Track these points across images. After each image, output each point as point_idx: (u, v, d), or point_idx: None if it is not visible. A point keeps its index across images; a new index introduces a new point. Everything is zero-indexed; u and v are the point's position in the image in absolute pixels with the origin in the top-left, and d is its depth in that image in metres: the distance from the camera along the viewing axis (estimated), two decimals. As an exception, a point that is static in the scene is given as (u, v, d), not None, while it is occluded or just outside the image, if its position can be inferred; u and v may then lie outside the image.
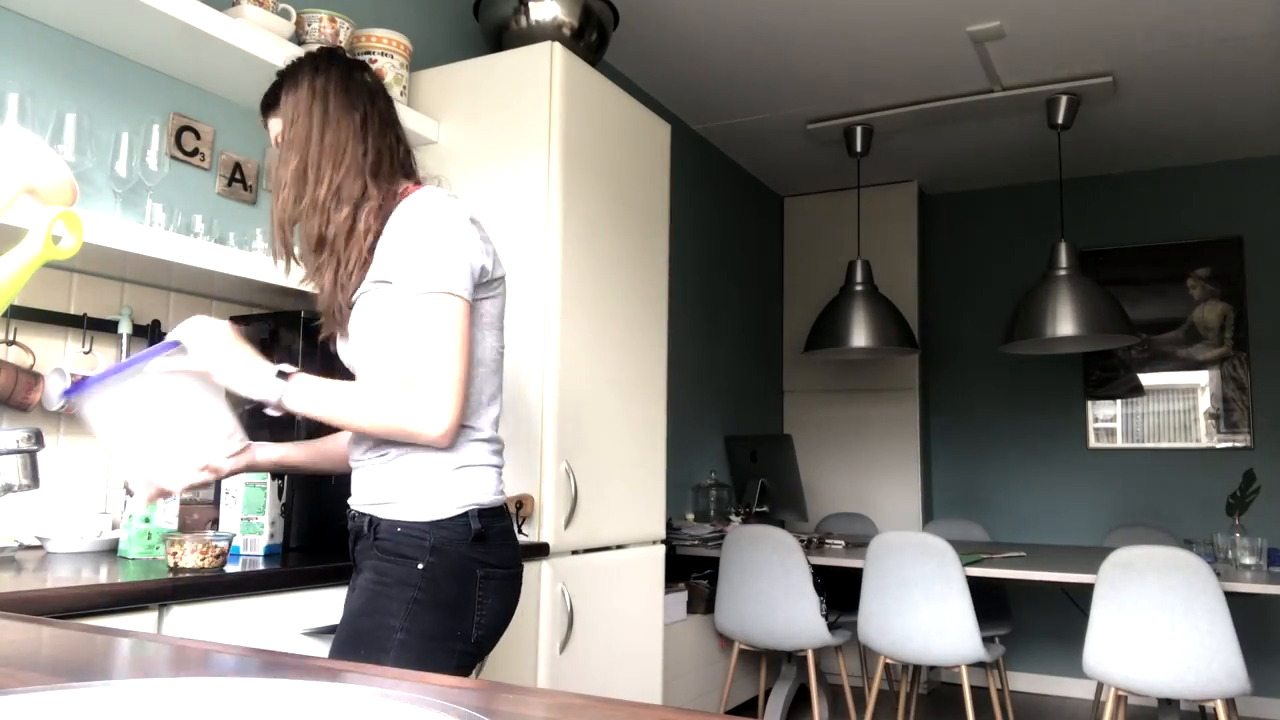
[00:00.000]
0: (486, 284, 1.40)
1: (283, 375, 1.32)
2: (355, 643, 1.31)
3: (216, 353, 1.33)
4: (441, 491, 1.34)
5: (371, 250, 1.37)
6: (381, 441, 1.37)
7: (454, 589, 1.33)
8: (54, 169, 1.39)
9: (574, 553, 2.36)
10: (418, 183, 1.47)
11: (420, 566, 1.31)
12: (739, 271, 4.90)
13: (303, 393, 1.31)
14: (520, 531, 2.26)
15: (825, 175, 5.07)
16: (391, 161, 1.44)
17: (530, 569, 2.20)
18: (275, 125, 1.48)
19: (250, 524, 1.74)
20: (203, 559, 1.46)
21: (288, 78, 1.47)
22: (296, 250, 1.43)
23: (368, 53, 2.41)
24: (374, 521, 1.37)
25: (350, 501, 1.44)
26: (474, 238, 1.37)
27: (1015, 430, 5.07)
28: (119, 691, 0.53)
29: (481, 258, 1.37)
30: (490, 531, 1.37)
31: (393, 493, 1.36)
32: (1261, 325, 4.59)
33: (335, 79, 1.44)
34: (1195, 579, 2.70)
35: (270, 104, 1.49)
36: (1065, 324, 3.81)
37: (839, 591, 3.66)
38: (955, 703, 4.44)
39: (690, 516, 4.18)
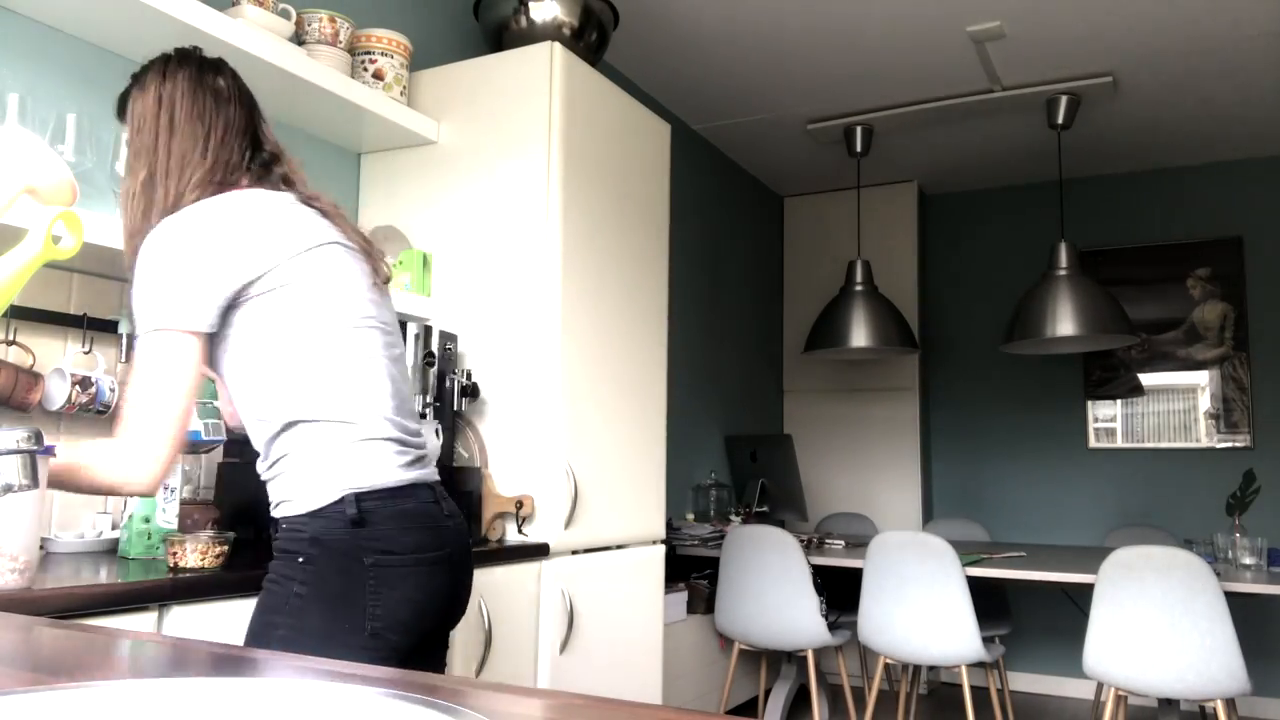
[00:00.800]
0: (282, 269, 1.30)
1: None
2: (248, 643, 1.28)
3: None
4: (318, 480, 1.29)
5: None
6: (265, 450, 1.34)
7: (339, 579, 1.26)
8: (54, 169, 1.40)
9: (574, 553, 2.36)
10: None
11: (300, 560, 1.26)
12: (739, 271, 4.90)
13: (51, 475, 1.25)
14: (520, 531, 2.26)
15: (825, 175, 5.07)
16: (226, 174, 1.37)
17: (530, 569, 2.20)
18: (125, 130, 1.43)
19: (204, 407, 1.68)
20: (203, 559, 1.46)
21: (135, 82, 1.41)
22: None
23: (368, 53, 2.41)
24: (275, 523, 1.34)
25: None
26: (199, 254, 1.27)
27: (1015, 430, 5.07)
28: (119, 691, 0.53)
29: (221, 273, 1.26)
30: (377, 516, 1.28)
31: (280, 493, 1.33)
32: (1261, 325, 4.59)
33: (183, 83, 1.38)
34: (1195, 579, 2.70)
35: (121, 109, 1.44)
36: (1065, 324, 3.81)
37: (839, 591, 3.66)
38: (955, 703, 4.44)
39: (690, 516, 4.18)
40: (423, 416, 2.12)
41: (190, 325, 1.25)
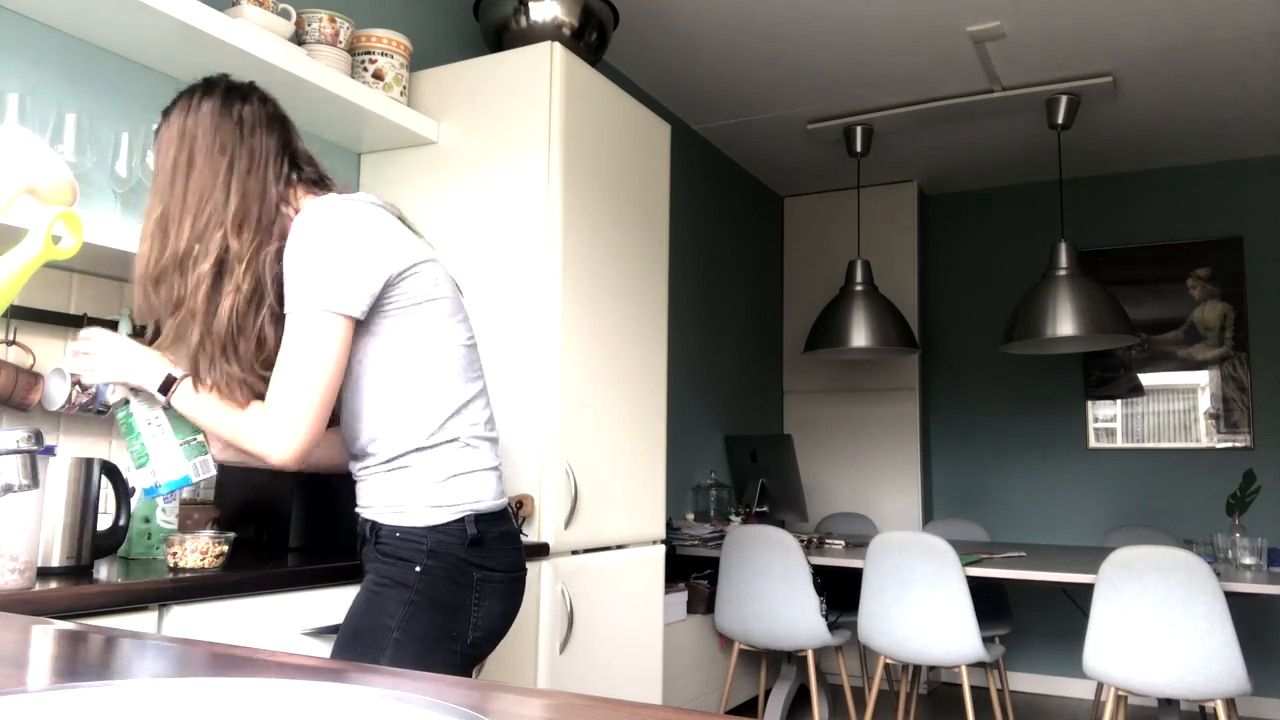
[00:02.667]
0: (406, 279, 1.35)
1: (171, 379, 1.38)
2: (354, 642, 1.33)
3: (115, 353, 1.40)
4: (438, 498, 1.37)
5: (245, 311, 1.35)
6: (379, 454, 1.38)
7: (450, 591, 1.35)
8: (54, 169, 1.40)
9: (574, 553, 2.36)
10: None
11: (418, 569, 1.34)
12: (739, 271, 4.90)
13: (182, 398, 1.37)
14: (520, 531, 2.26)
15: (825, 175, 5.07)
16: (262, 206, 1.37)
17: (530, 569, 2.19)
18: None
19: (191, 446, 1.51)
20: (203, 559, 1.46)
21: (164, 116, 1.42)
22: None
23: (368, 53, 2.41)
24: (375, 526, 1.39)
25: (357, 507, 1.45)
26: (356, 242, 1.31)
27: (1015, 430, 5.07)
28: (119, 691, 0.53)
29: (375, 263, 1.32)
30: (487, 536, 1.39)
31: (393, 499, 1.38)
32: (1261, 325, 4.59)
33: (205, 117, 1.37)
34: (1195, 579, 2.70)
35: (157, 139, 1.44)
36: (1065, 324, 3.81)
37: (839, 591, 3.66)
38: (955, 703, 4.44)
39: (690, 516, 4.18)
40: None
41: (342, 308, 1.29)
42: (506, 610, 1.43)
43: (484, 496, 1.40)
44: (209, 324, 1.34)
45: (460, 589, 1.36)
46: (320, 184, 1.46)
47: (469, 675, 1.41)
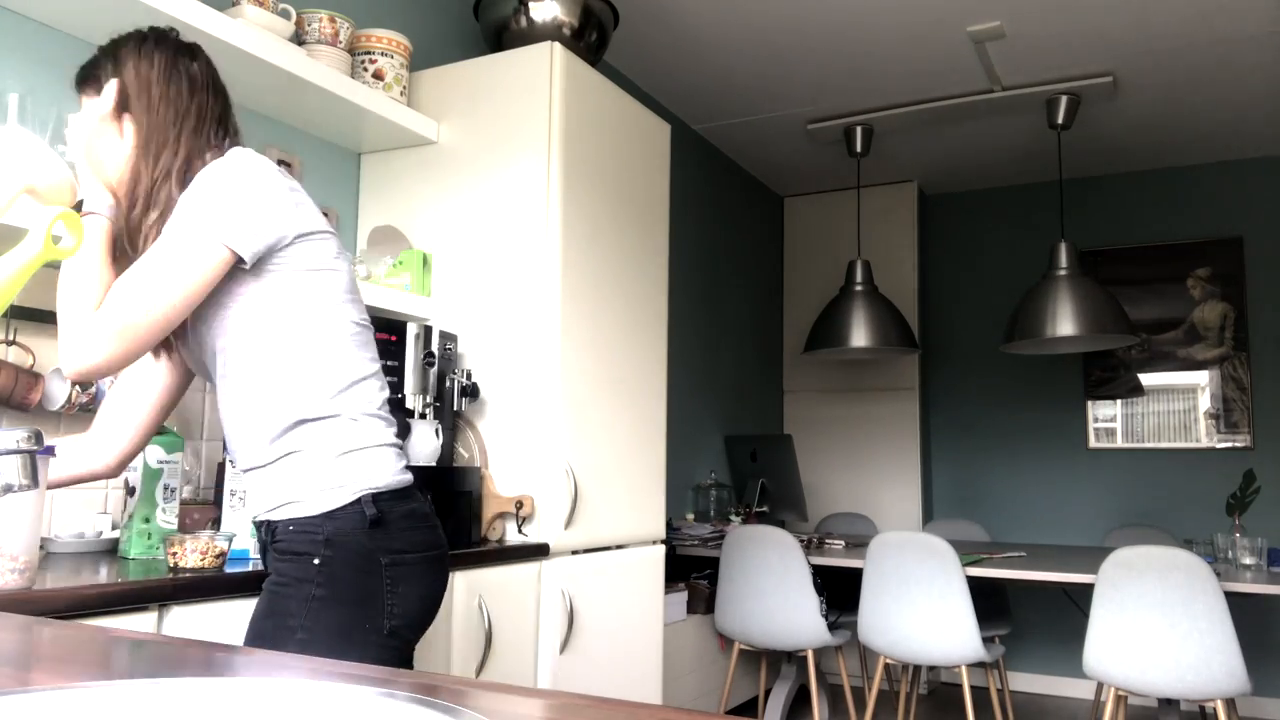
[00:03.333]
0: (304, 243, 1.29)
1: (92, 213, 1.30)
2: (258, 645, 1.25)
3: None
4: (330, 481, 1.28)
5: None
6: (266, 447, 1.30)
7: (356, 581, 1.26)
8: (54, 169, 1.39)
9: (574, 553, 2.36)
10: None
11: (316, 562, 1.25)
12: (739, 271, 4.90)
13: (89, 239, 1.27)
14: (520, 531, 2.26)
15: (825, 175, 5.07)
16: (201, 157, 1.32)
17: (530, 569, 2.20)
18: (93, 105, 1.34)
19: None
20: (203, 559, 1.46)
21: (107, 56, 1.35)
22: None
23: (368, 53, 2.41)
24: (270, 526, 1.32)
25: (252, 514, 1.37)
26: (264, 185, 1.26)
27: (1015, 430, 5.07)
28: (119, 691, 0.53)
29: (279, 212, 1.26)
30: (391, 515, 1.30)
31: (284, 493, 1.30)
32: (1261, 325, 4.59)
33: (160, 69, 1.33)
34: (1195, 579, 2.70)
35: (83, 80, 1.37)
36: (1065, 324, 3.81)
37: (839, 591, 3.66)
38: (955, 703, 4.44)
39: (690, 516, 4.18)
40: (422, 417, 2.12)
41: (232, 242, 1.22)
42: (427, 594, 1.33)
43: (384, 473, 1.31)
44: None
45: (368, 577, 1.27)
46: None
47: (402, 667, 1.33)
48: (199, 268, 1.21)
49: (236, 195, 1.24)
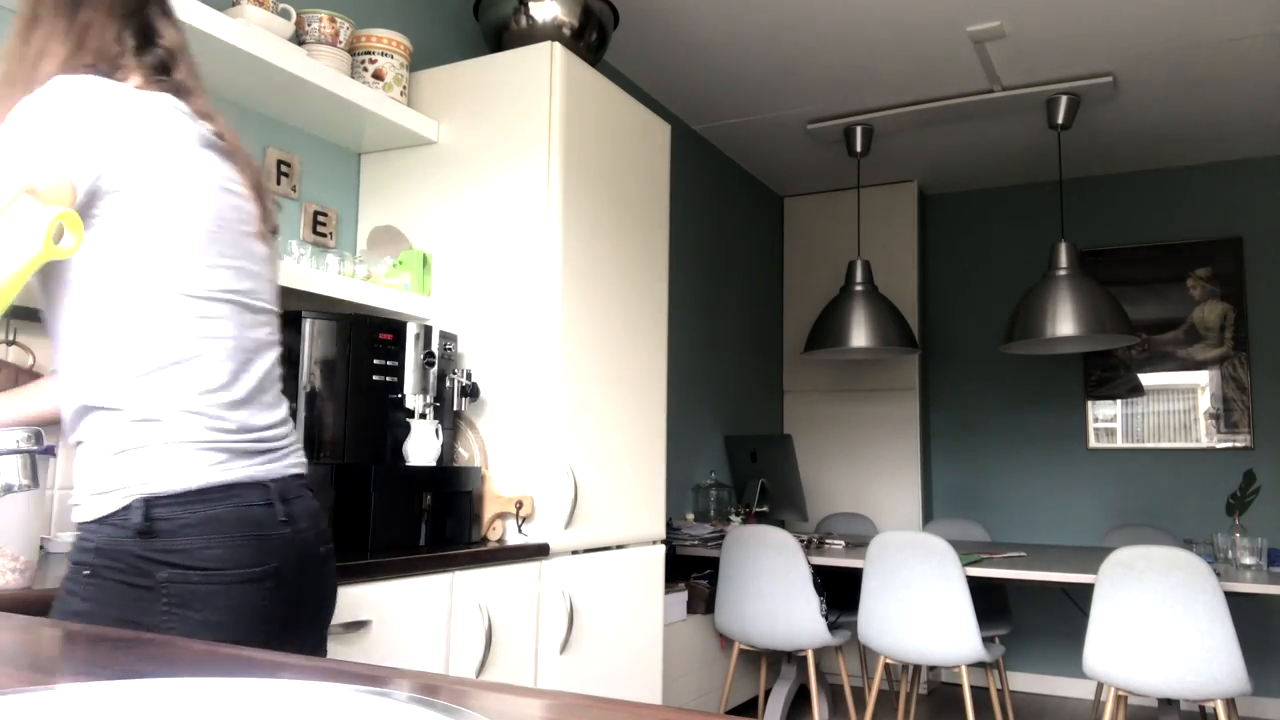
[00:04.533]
0: (124, 193, 1.09)
1: None
2: None
3: None
4: (104, 480, 1.10)
5: None
6: (66, 413, 1.15)
7: (126, 596, 1.07)
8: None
9: (574, 553, 2.36)
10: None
11: (85, 573, 1.08)
12: (739, 271, 4.90)
13: None
14: (520, 531, 2.26)
15: (825, 175, 5.07)
16: (99, 65, 1.14)
17: (530, 569, 2.20)
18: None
19: None
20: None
21: None
22: None
23: (368, 53, 2.41)
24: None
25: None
26: (79, 117, 1.06)
27: (1015, 430, 5.07)
28: (119, 691, 0.53)
29: (94, 150, 1.06)
30: (173, 524, 1.08)
31: (76, 491, 1.14)
32: (1261, 325, 4.59)
33: None
34: (1195, 579, 2.70)
35: None
36: (1065, 324, 3.81)
37: (839, 591, 3.66)
38: (955, 703, 4.44)
39: (690, 516, 4.18)
40: (422, 417, 2.12)
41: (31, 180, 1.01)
42: (228, 621, 1.10)
43: (163, 474, 1.10)
44: None
45: (141, 592, 1.07)
46: (161, 69, 1.20)
47: None
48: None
49: (33, 127, 1.04)
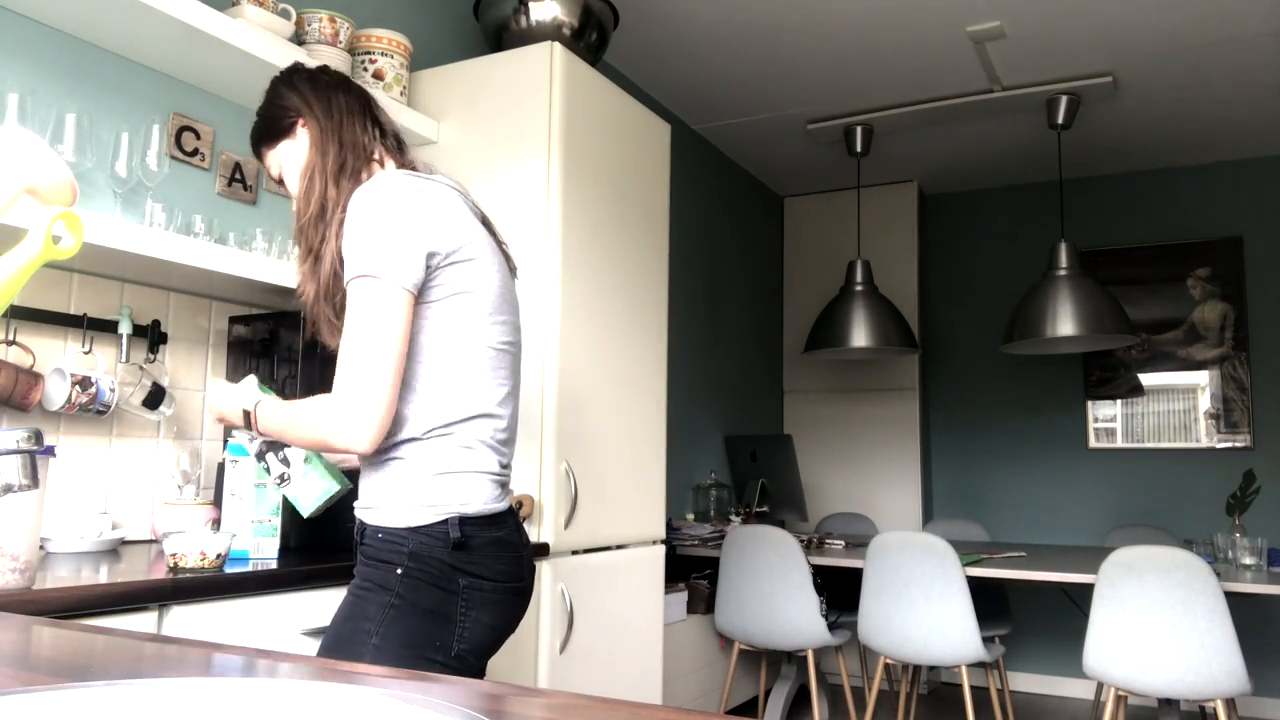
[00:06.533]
0: (447, 267, 1.32)
1: (248, 413, 1.38)
2: (334, 647, 1.29)
3: (217, 403, 1.44)
4: (422, 497, 1.30)
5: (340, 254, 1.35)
6: (377, 450, 1.34)
7: (433, 597, 1.28)
8: (54, 169, 1.39)
9: (574, 553, 2.36)
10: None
11: (399, 572, 1.28)
12: (739, 271, 4.90)
13: (264, 418, 1.36)
14: (523, 543, 2.26)
15: (825, 175, 5.07)
16: (355, 160, 1.42)
17: (530, 569, 2.20)
18: (271, 156, 1.51)
19: (262, 525, 1.72)
20: (203, 559, 1.46)
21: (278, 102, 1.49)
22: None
23: (368, 53, 2.41)
24: (363, 527, 1.35)
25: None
26: (414, 216, 1.29)
27: (1015, 430, 5.07)
28: (119, 691, 0.53)
29: (428, 238, 1.29)
30: (475, 541, 1.31)
31: (378, 497, 1.33)
32: (1261, 325, 4.59)
33: (305, 89, 1.46)
34: (1195, 579, 2.70)
35: (263, 138, 1.51)
36: (1065, 324, 3.81)
37: (839, 591, 3.66)
38: (955, 703, 4.44)
39: (690, 516, 4.18)
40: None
41: (396, 278, 1.26)
42: (498, 624, 1.34)
43: (473, 499, 1.32)
44: (320, 273, 1.38)
45: (446, 595, 1.29)
46: (400, 150, 1.49)
47: None
48: (380, 309, 1.25)
49: (376, 225, 1.29)
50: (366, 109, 1.47)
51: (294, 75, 1.49)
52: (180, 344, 2.09)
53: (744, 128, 4.44)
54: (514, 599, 1.37)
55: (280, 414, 1.33)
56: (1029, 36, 3.49)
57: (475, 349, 1.35)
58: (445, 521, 1.30)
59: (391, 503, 1.32)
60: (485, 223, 1.45)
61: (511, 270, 1.50)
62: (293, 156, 1.46)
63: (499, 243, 1.47)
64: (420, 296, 1.31)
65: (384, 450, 1.32)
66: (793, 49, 3.64)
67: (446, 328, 1.32)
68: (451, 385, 1.33)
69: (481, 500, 1.34)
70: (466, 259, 1.34)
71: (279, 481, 1.45)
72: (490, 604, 1.33)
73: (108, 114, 1.97)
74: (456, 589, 1.29)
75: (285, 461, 1.45)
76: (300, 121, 1.45)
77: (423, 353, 1.32)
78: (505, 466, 1.41)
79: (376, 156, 1.45)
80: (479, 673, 1.35)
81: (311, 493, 1.45)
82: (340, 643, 1.28)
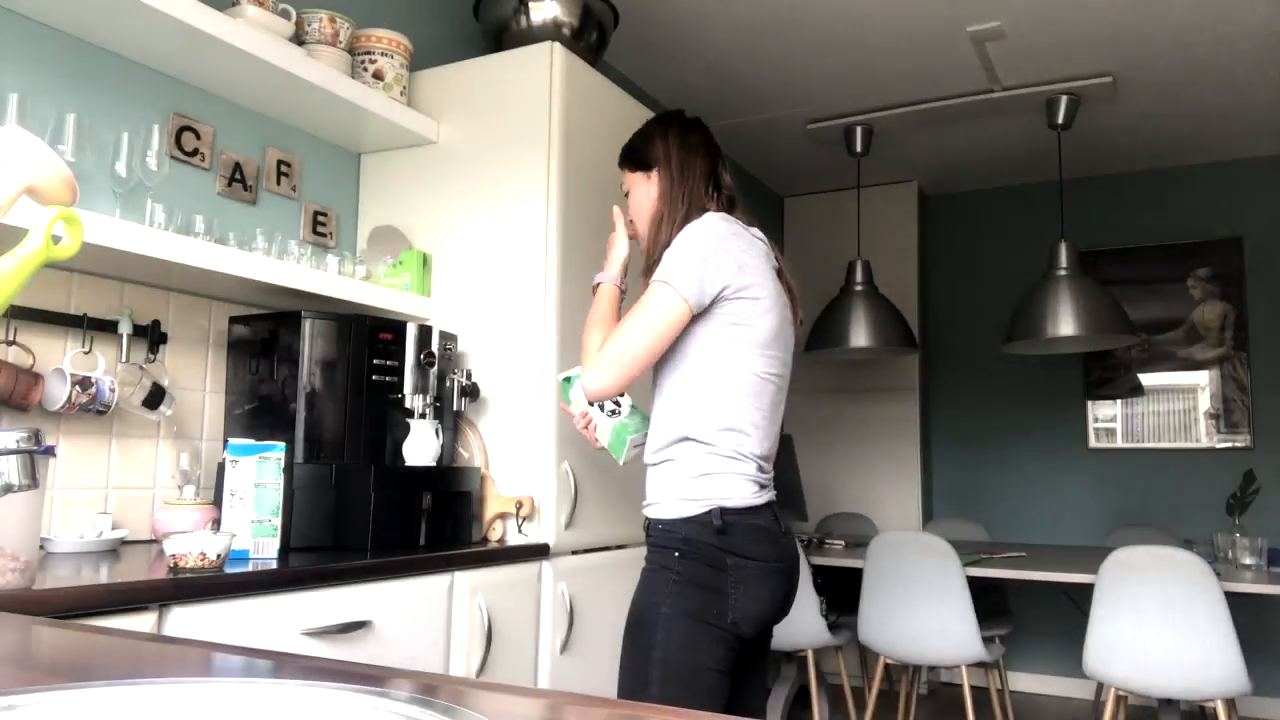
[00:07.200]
0: (734, 300, 1.61)
1: (599, 283, 1.85)
2: (633, 619, 1.59)
3: (610, 250, 1.90)
4: (690, 493, 1.60)
5: None
6: (657, 440, 1.66)
7: (705, 573, 1.55)
8: (54, 169, 1.39)
9: (574, 553, 2.36)
10: None
11: (676, 554, 1.57)
12: (739, 271, 4.89)
13: (598, 299, 1.82)
14: (520, 531, 2.26)
15: (825, 175, 5.06)
16: (694, 214, 1.69)
17: (530, 569, 2.20)
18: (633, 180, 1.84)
19: (262, 525, 1.73)
20: (203, 559, 1.46)
21: (642, 138, 1.83)
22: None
23: (368, 53, 2.41)
24: (647, 521, 1.67)
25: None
26: (716, 249, 1.60)
27: (1015, 430, 5.07)
28: (119, 692, 0.53)
29: (719, 271, 1.59)
30: (735, 528, 1.57)
31: (657, 495, 1.65)
32: (1261, 325, 4.59)
33: (674, 141, 1.77)
34: (1195, 579, 2.70)
35: (631, 159, 1.84)
36: (1065, 324, 3.81)
37: (839, 591, 3.66)
38: (955, 703, 4.44)
39: (690, 516, 4.17)
40: (422, 417, 2.12)
41: (684, 291, 1.58)
42: (762, 595, 1.58)
43: (732, 494, 1.59)
44: None
45: (715, 572, 1.55)
46: (730, 205, 1.76)
47: (733, 656, 1.56)
48: (658, 310, 1.59)
49: (688, 253, 1.61)
50: (713, 172, 1.77)
51: (669, 126, 1.79)
52: (180, 344, 2.09)
53: (744, 127, 4.44)
54: (777, 577, 1.61)
55: (591, 316, 1.78)
56: (1029, 36, 3.49)
57: (743, 373, 1.62)
58: (709, 512, 1.57)
59: (667, 499, 1.62)
60: (780, 273, 1.73)
61: (795, 316, 1.77)
62: (641, 192, 1.80)
63: (789, 290, 1.75)
64: (703, 315, 1.61)
65: (660, 450, 1.65)
66: (793, 49, 3.64)
67: (719, 349, 1.61)
68: (718, 398, 1.61)
69: (740, 496, 1.59)
70: (752, 297, 1.61)
71: (611, 412, 1.83)
72: (753, 579, 1.57)
73: (108, 114, 1.97)
74: (724, 567, 1.56)
75: (616, 403, 1.83)
76: (658, 170, 1.77)
77: (694, 367, 1.62)
78: (762, 470, 1.65)
79: (710, 209, 1.72)
80: (748, 639, 1.59)
81: (620, 432, 1.81)
82: (637, 615, 1.59)
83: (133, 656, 0.75)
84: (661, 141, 1.78)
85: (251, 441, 1.74)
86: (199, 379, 2.14)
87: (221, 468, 1.99)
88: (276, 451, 1.74)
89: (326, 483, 1.91)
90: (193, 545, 1.46)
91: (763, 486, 1.64)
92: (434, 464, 2.09)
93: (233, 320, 2.13)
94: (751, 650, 1.63)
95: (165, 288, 2.06)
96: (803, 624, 3.36)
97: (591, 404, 1.81)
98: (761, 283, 1.63)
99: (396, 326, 2.10)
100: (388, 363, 2.06)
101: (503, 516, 2.25)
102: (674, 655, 1.52)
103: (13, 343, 1.77)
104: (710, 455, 1.60)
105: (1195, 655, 2.68)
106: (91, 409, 1.81)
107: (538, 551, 2.22)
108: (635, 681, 1.56)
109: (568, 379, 1.90)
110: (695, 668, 1.52)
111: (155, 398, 1.91)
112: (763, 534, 1.60)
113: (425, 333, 2.16)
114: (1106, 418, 4.89)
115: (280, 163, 2.37)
